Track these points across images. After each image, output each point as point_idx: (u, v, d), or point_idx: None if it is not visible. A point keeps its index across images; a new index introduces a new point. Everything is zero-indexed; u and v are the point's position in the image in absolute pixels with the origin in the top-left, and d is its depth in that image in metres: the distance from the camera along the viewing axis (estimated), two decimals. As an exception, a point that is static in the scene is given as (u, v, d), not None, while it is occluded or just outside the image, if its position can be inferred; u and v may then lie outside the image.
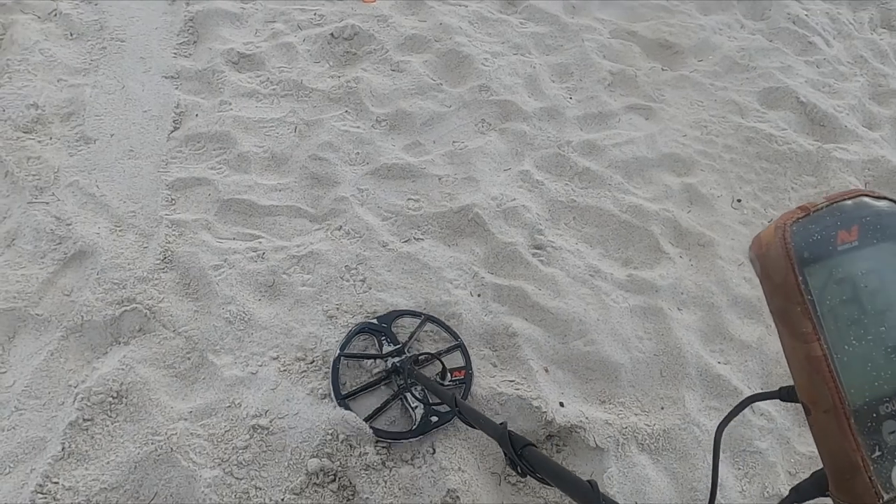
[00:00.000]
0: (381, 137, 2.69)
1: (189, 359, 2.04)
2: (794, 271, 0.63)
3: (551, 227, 2.48)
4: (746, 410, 2.08)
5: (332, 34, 3.04)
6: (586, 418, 1.98)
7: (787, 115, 2.97)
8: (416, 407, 1.93)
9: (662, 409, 2.07)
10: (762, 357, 2.21)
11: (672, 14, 3.40)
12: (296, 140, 2.64)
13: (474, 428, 1.57)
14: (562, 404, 2.02)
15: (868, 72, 3.29)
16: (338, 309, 2.16)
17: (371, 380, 2.01)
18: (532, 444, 1.15)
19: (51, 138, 2.53)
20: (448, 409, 1.90)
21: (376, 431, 1.87)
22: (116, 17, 3.00)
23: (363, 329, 2.10)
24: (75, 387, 1.94)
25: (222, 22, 3.06)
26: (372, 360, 2.05)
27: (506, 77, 2.94)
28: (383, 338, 2.09)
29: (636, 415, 2.04)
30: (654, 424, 2.01)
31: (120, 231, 2.30)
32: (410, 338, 2.09)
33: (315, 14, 3.14)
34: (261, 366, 2.02)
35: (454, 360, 2.09)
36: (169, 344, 2.06)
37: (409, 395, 1.96)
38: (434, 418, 1.91)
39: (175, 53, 2.91)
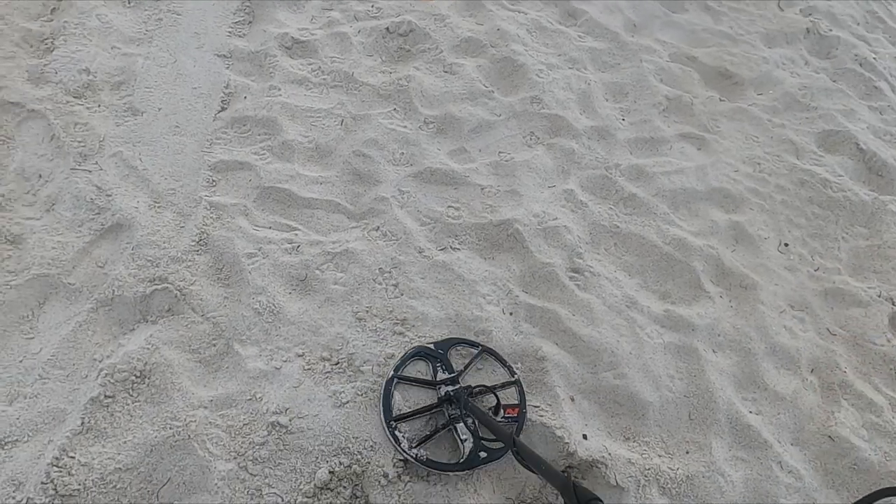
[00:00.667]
0: (428, 140, 2.65)
1: (215, 346, 2.03)
2: None
3: (591, 250, 2.42)
4: (773, 464, 2.02)
5: (387, 28, 3.00)
6: (609, 454, 1.93)
7: (845, 160, 2.88)
8: (466, 440, 1.88)
9: (688, 453, 2.01)
10: (796, 411, 2.14)
11: (735, 43, 3.31)
12: (341, 133, 2.61)
13: (531, 471, 1.52)
14: (585, 437, 1.97)
15: (933, 123, 3.18)
16: (367, 312, 2.12)
17: (423, 405, 1.96)
18: (598, 498, 1.10)
19: (99, 106, 2.52)
20: (498, 445, 1.86)
21: (422, 460, 1.82)
22: (175, -10, 2.98)
23: (419, 353, 2.06)
24: (100, 361, 1.93)
25: (280, 5, 3.03)
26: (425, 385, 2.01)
27: (559, 91, 2.88)
28: (438, 364, 2.04)
29: (660, 456, 1.99)
30: (678, 468, 1.96)
31: (158, 208, 2.28)
32: (466, 367, 2.03)
33: (373, 6, 3.10)
34: (285, 361, 1.99)
35: (509, 396, 2.03)
36: (196, 328, 2.04)
37: (459, 427, 1.90)
38: (483, 454, 1.85)
39: (230, 32, 2.89)
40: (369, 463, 1.80)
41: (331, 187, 2.45)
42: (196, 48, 2.79)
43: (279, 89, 2.69)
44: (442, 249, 2.34)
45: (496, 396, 1.94)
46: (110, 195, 2.27)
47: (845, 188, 2.74)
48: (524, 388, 2.03)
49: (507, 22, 3.14)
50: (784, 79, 3.18)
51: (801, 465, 2.03)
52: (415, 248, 2.31)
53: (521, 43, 3.05)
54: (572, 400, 2.06)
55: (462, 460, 1.85)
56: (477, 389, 1.97)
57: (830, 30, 3.50)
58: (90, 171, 2.32)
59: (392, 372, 1.98)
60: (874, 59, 3.37)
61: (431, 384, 2.01)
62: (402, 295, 2.18)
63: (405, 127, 2.66)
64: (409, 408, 1.94)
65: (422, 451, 1.84)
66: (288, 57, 2.84)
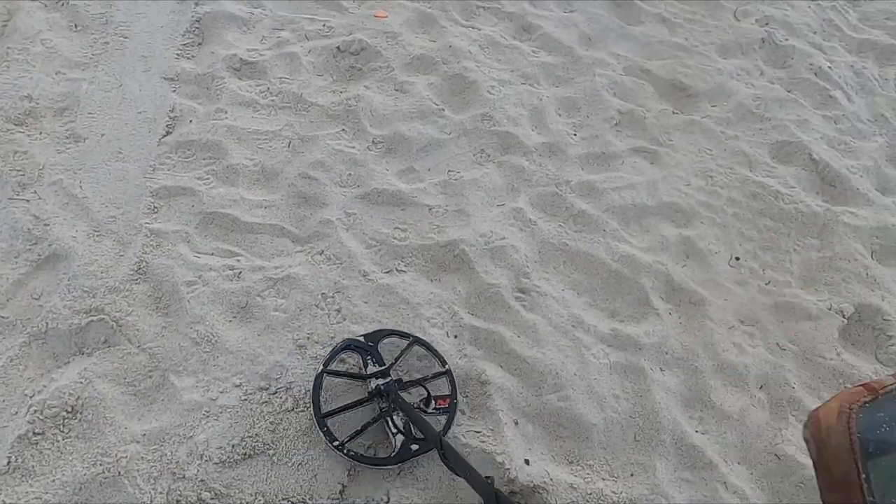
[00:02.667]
0: (376, 160, 2.63)
1: (150, 377, 1.99)
2: (857, 468, 0.53)
3: (539, 270, 2.40)
4: (718, 484, 2.00)
5: (338, 47, 2.98)
6: (551, 479, 1.91)
7: (798, 171, 2.87)
8: (397, 433, 1.87)
9: (632, 475, 1.99)
10: (743, 430, 2.12)
11: (690, 55, 3.31)
12: (288, 155, 2.59)
13: (457, 475, 1.50)
14: (527, 461, 1.95)
15: (888, 132, 3.18)
16: (308, 339, 2.10)
17: (352, 400, 1.95)
18: None
19: (41, 133, 2.49)
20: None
21: (352, 455, 1.82)
22: (123, 12, 2.96)
23: (349, 346, 2.04)
24: (31, 397, 1.89)
25: (229, 25, 3.01)
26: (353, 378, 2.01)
27: (510, 107, 2.87)
28: (369, 357, 2.02)
29: (604, 479, 1.96)
30: (622, 492, 1.93)
31: (98, 236, 2.25)
32: (396, 359, 2.03)
33: (324, 25, 3.09)
34: (222, 392, 1.96)
35: (440, 387, 2.03)
36: (132, 360, 2.01)
37: (391, 420, 1.90)
38: (415, 446, 1.86)
39: (178, 54, 2.87)
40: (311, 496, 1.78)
41: (276, 211, 2.42)
42: (143, 71, 2.76)
43: (225, 112, 2.67)
44: (387, 272, 2.32)
45: (426, 389, 1.93)
46: (48, 225, 2.24)
47: (797, 200, 2.74)
48: (455, 378, 2.03)
49: (459, 38, 3.13)
50: (738, 90, 3.18)
51: (747, 485, 2.02)
52: (359, 272, 2.28)
53: (473, 59, 3.04)
54: (516, 423, 2.04)
55: (394, 454, 1.85)
56: (407, 382, 1.97)
57: (786, 39, 3.50)
58: (28, 201, 2.29)
59: (321, 366, 1.98)
60: (830, 67, 3.38)
61: (361, 377, 1.99)
62: (344, 320, 2.16)
63: (353, 147, 2.64)
64: (339, 403, 1.94)
65: (353, 446, 1.85)
66: (236, 79, 2.82)
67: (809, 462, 2.04)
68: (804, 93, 3.25)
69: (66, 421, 1.86)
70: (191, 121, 2.62)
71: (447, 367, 2.05)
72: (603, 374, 2.16)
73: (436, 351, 2.07)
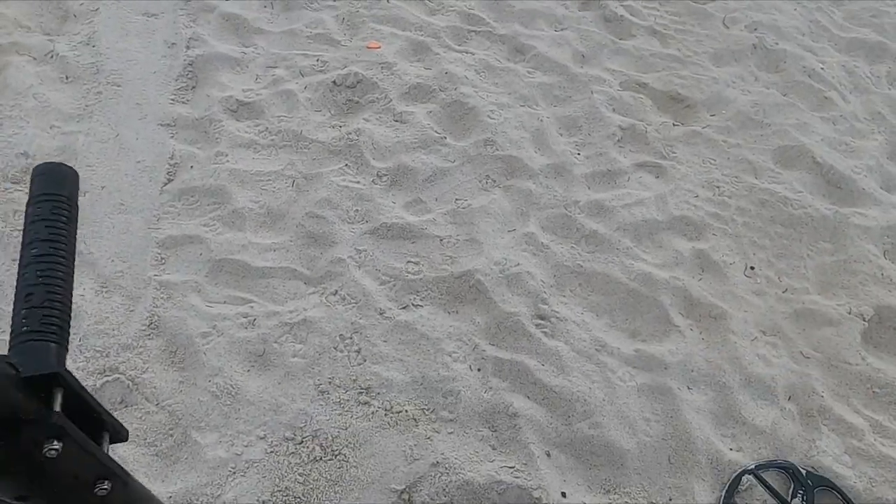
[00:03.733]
0: (382, 194, 2.60)
1: (171, 436, 1.94)
2: None
3: (556, 294, 2.37)
4: (758, 503, 1.96)
5: (334, 81, 2.96)
6: (589, 511, 1.87)
7: (803, 175, 2.87)
8: None
9: (670, 500, 1.95)
10: (777, 443, 2.09)
11: (684, 65, 3.32)
12: (293, 195, 2.55)
13: None
14: (564, 495, 1.91)
15: (886, 129, 3.20)
16: (330, 383, 2.05)
17: None
18: None
19: (40, 189, 2.44)
20: None
21: None
22: (114, 60, 2.93)
23: (787, 468, 2.03)
24: (49, 467, 1.83)
25: (222, 67, 2.99)
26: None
27: (512, 130, 2.86)
28: (801, 491, 1.99)
29: (642, 507, 1.92)
30: (662, 519, 1.90)
31: (106, 292, 2.20)
32: None
33: (318, 60, 3.07)
34: (247, 446, 1.91)
35: None
36: (151, 419, 1.96)
37: None
38: None
39: (172, 99, 2.84)
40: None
41: (285, 253, 2.38)
42: (138, 119, 2.73)
43: (226, 155, 2.63)
44: (403, 308, 2.28)
45: None
46: (54, 284, 2.18)
47: (806, 204, 2.73)
48: None
49: (454, 64, 3.12)
50: (735, 97, 3.18)
51: None
52: (375, 310, 2.24)
53: (470, 85, 3.03)
54: (548, 455, 2.00)
55: None
56: None
57: (777, 43, 3.52)
58: (32, 261, 2.24)
59: (753, 466, 2.00)
60: (822, 68, 3.39)
61: (783, 501, 1.97)
62: (364, 361, 2.11)
63: (358, 182, 2.61)
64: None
65: None
66: (234, 120, 2.79)
67: (847, 472, 2.01)
68: (800, 96, 3.26)
69: (88, 489, 1.80)
70: (192, 167, 2.59)
71: None
72: (631, 397, 2.13)
73: None
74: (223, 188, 2.51)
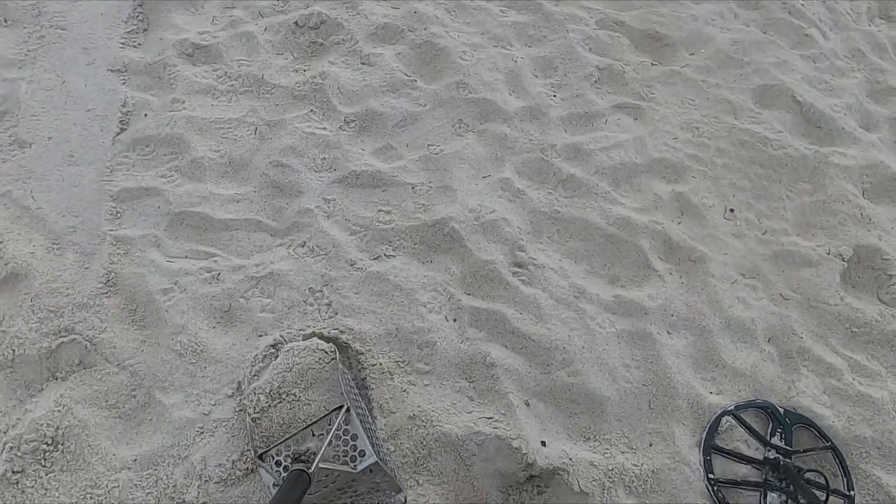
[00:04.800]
0: (350, 140, 2.47)
1: (135, 397, 1.85)
2: None
3: (533, 241, 2.30)
4: (740, 444, 1.95)
5: (296, 22, 2.78)
6: (570, 459, 1.83)
7: (783, 115, 2.80)
8: None
9: (651, 445, 1.93)
10: (756, 385, 2.07)
11: (662, 2, 3.19)
12: (256, 143, 2.41)
13: None
14: (543, 443, 1.87)
15: (866, 67, 3.13)
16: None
17: (747, 453, 1.94)
18: None
19: (-19, 141, 2.28)
20: None
21: (720, 498, 1.82)
22: (56, 1, 2.71)
23: (766, 408, 2.00)
24: (5, 433, 1.74)
25: (175, 8, 2.79)
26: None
27: (485, 72, 2.73)
28: (780, 429, 1.97)
29: (623, 453, 1.90)
30: (643, 464, 1.87)
31: (58, 250, 2.07)
32: (806, 451, 1.95)
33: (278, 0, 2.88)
34: (214, 405, 1.83)
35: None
36: (112, 380, 1.86)
37: (770, 496, 1.86)
38: None
39: (123, 43, 2.65)
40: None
41: (249, 204, 2.27)
42: (86, 65, 2.54)
43: (183, 102, 2.47)
44: (375, 259, 2.19)
45: (827, 494, 1.84)
46: (1, 242, 2.05)
47: (785, 144, 2.67)
48: (846, 465, 1.94)
49: (424, 3, 2.95)
50: (715, 35, 3.07)
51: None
52: (346, 261, 2.15)
53: (440, 24, 2.88)
54: (527, 405, 1.95)
55: None
56: (809, 475, 1.88)
57: (757, -21, 3.40)
58: (-25, 218, 2.09)
59: (732, 406, 1.99)
60: (803, 5, 3.29)
61: (763, 440, 1.96)
62: (336, 314, 2.03)
63: (324, 129, 2.48)
64: (728, 446, 1.94)
65: (722, 490, 1.85)
66: (190, 65, 2.61)
67: (826, 412, 2.00)
68: (780, 33, 3.17)
69: (47, 454, 1.71)
70: (146, 115, 2.43)
71: (852, 493, 1.91)
72: (611, 343, 2.08)
73: (848, 469, 1.94)
74: (180, 137, 2.36)
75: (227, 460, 1.73)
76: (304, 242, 2.18)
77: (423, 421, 1.84)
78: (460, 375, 1.98)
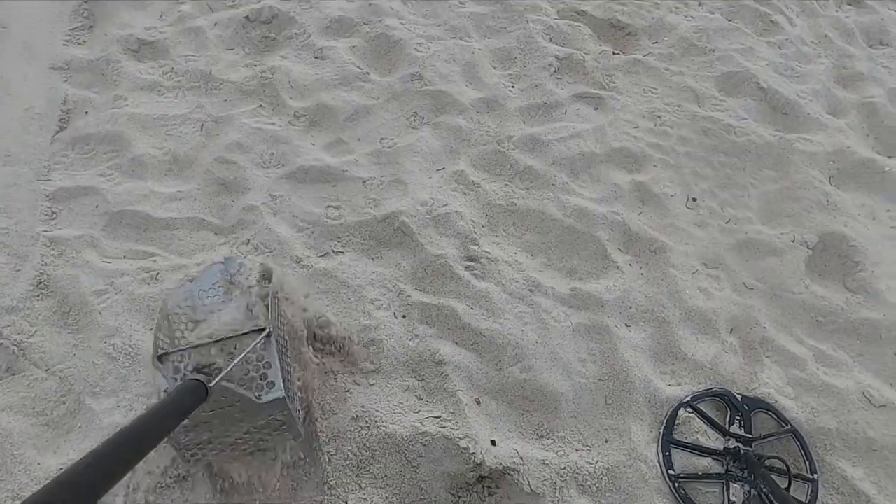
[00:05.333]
0: (300, 135, 2.40)
1: (64, 403, 1.77)
2: None
3: (488, 234, 2.23)
4: (700, 437, 1.88)
5: (247, 17, 2.72)
6: (520, 458, 1.75)
7: (748, 102, 2.74)
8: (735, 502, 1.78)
9: (607, 441, 1.85)
10: (717, 377, 2.00)
11: (625, -9, 3.13)
12: (202, 140, 2.34)
13: None
14: (493, 442, 1.79)
15: (833, 53, 3.07)
16: (241, 338, 1.89)
17: (706, 445, 1.86)
18: None
19: (-88, 142, 2.19)
20: None
21: (681, 495, 1.76)
22: (-2, -1, 2.64)
23: (723, 396, 1.95)
24: (-77, 443, 1.65)
25: (123, 4, 2.71)
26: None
27: (441, 64, 2.66)
28: (738, 417, 1.91)
29: (577, 451, 1.82)
30: (597, 461, 1.80)
31: (-13, 252, 1.99)
32: (766, 437, 1.89)
33: (229, -6, 2.82)
34: (147, 405, 1.75)
35: (797, 491, 1.87)
36: (40, 386, 1.78)
37: (733, 487, 1.79)
38: None
39: (67, 40, 2.57)
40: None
41: (192, 202, 2.19)
42: (27, 62, 2.47)
43: (125, 99, 2.40)
44: (323, 255, 2.11)
45: (790, 476, 1.78)
46: (-72, 245, 1.97)
47: (749, 131, 2.61)
48: (818, 491, 1.84)
49: (380, -5, 2.89)
50: (678, 23, 3.02)
51: (727, 436, 1.90)
52: (292, 258, 2.07)
53: (396, 16, 2.81)
54: (478, 403, 1.88)
55: None
56: (770, 462, 1.82)
57: (722, -33, 3.35)
58: None
59: (689, 398, 1.92)
60: (769, -8, 3.24)
61: (721, 430, 1.90)
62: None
63: (273, 124, 2.41)
64: (688, 439, 1.88)
65: (684, 486, 1.79)
66: (135, 61, 2.54)
67: (789, 403, 1.93)
68: (746, 20, 3.11)
69: (-33, 465, 1.63)
70: (87, 112, 2.35)
71: (816, 476, 1.85)
72: (566, 337, 2.01)
73: (809, 452, 1.88)
74: (121, 134, 2.29)
75: (157, 467, 1.64)
76: (249, 240, 2.10)
77: (366, 422, 1.76)
78: (409, 374, 1.91)
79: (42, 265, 1.96)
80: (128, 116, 2.33)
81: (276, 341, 1.56)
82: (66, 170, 2.20)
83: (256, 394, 1.46)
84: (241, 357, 1.43)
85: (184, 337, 1.60)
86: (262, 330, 1.53)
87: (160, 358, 1.49)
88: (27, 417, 1.73)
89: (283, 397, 1.47)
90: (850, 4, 3.37)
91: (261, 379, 1.49)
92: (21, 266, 1.97)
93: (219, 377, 1.34)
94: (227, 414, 1.44)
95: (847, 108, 2.84)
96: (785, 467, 1.79)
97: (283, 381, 1.49)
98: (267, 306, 1.64)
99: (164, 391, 1.46)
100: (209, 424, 1.45)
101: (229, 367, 1.38)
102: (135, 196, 2.15)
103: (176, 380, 1.48)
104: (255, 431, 1.54)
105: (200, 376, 1.36)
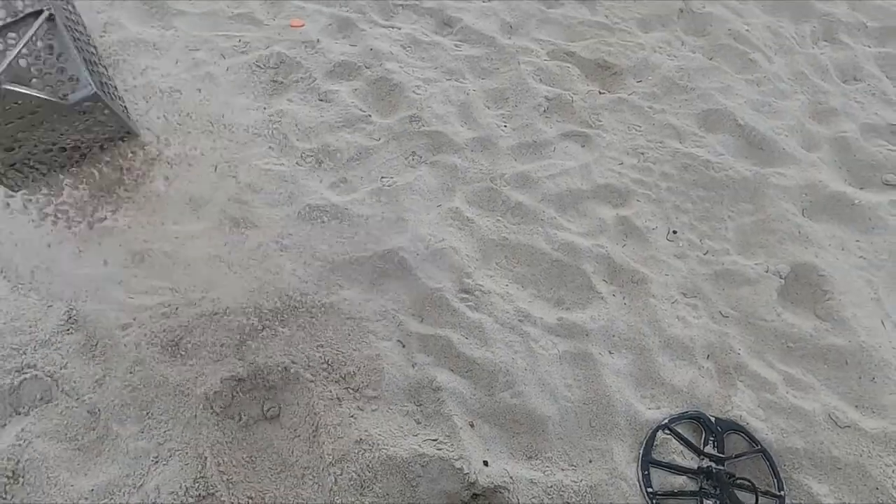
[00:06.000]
0: (306, 175, 2.58)
1: (93, 429, 1.94)
2: None
3: (482, 267, 2.40)
4: (676, 456, 2.04)
5: (256, 63, 2.91)
6: (511, 478, 1.92)
7: (726, 138, 2.92)
8: None
9: (590, 461, 2.02)
10: (693, 401, 2.17)
11: (612, 32, 3.33)
12: (215, 181, 2.52)
13: None
14: (486, 463, 1.96)
15: (808, 89, 3.26)
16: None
17: (682, 464, 2.02)
18: None
19: (-50, 187, 2.38)
20: None
21: None
22: (26, 49, 2.83)
23: (698, 418, 2.10)
24: (-33, 468, 1.82)
25: (141, 51, 2.91)
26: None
27: (438, 105, 2.85)
28: (712, 438, 2.06)
29: (563, 470, 1.98)
30: (582, 480, 1.96)
31: (22, 290, 2.17)
32: (736, 456, 2.04)
33: (239, 41, 3.01)
34: (167, 434, 1.92)
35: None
36: (71, 414, 1.95)
37: (706, 502, 1.95)
38: None
39: (89, 87, 2.76)
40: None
41: (207, 241, 2.36)
42: (53, 110, 2.65)
43: (145, 143, 2.58)
44: (327, 290, 2.28)
45: (755, 490, 1.94)
46: (-33, 283, 2.15)
47: (727, 167, 2.79)
48: (777, 467, 2.03)
49: (380, 40, 3.09)
50: (662, 63, 3.21)
51: (702, 456, 2.06)
52: (299, 292, 2.24)
53: (395, 60, 3.00)
54: (472, 426, 2.04)
55: None
56: (740, 481, 1.98)
57: (703, 6, 3.55)
58: (-58, 261, 2.19)
59: (666, 420, 2.08)
60: (747, 30, 3.43)
61: (696, 450, 2.04)
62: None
63: (282, 165, 2.59)
64: (664, 459, 2.03)
65: (661, 502, 1.94)
66: (154, 106, 2.73)
67: (760, 425, 2.09)
68: (725, 59, 3.30)
69: (7, 487, 1.80)
70: (109, 156, 2.54)
71: (783, 493, 1.99)
72: (553, 365, 2.18)
73: (777, 471, 2.03)
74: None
75: (180, 487, 1.81)
76: (258, 277, 2.28)
77: (369, 445, 1.93)
78: (408, 399, 2.07)
79: (71, 301, 2.14)
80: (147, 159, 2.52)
81: (65, 25, 1.28)
82: (89, 210, 2.38)
83: (61, 94, 1.22)
84: (19, 48, 1.17)
85: None
86: (39, 13, 1.24)
87: None
88: (60, 443, 1.90)
89: (95, 92, 1.23)
90: (825, 41, 3.56)
91: (59, 74, 1.25)
92: (52, 302, 2.15)
93: None
94: (27, 124, 1.22)
95: (820, 143, 3.02)
96: (751, 485, 1.96)
97: (91, 74, 1.26)
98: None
99: None
100: (13, 138, 1.23)
101: (6, 62, 1.13)
102: (155, 235, 2.33)
103: None
104: (75, 135, 1.32)
105: None
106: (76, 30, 1.34)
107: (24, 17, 1.25)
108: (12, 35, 1.24)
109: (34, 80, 1.22)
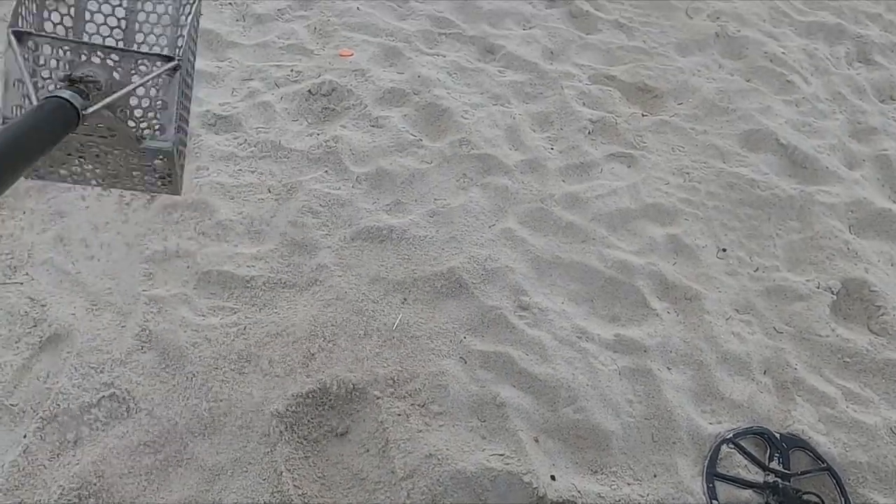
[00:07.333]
0: (362, 198, 2.66)
1: (168, 445, 1.99)
2: None
3: (537, 286, 2.45)
4: (741, 470, 2.05)
5: (309, 91, 3.02)
6: (579, 492, 1.94)
7: (769, 157, 2.97)
8: None
9: (655, 476, 2.04)
10: (753, 415, 2.18)
11: (650, 56, 3.41)
12: (275, 205, 2.61)
13: None
14: (553, 477, 1.98)
15: (847, 109, 3.31)
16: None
17: (747, 478, 2.04)
18: None
19: (24, 212, 2.48)
20: None
21: None
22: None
23: (763, 434, 2.13)
24: (49, 487, 1.88)
25: (198, 82, 3.03)
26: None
27: (486, 129, 2.93)
28: (777, 454, 2.08)
29: (629, 484, 2.00)
30: (648, 494, 1.98)
31: (97, 310, 2.25)
32: (803, 473, 2.07)
33: (292, 70, 3.12)
34: (242, 449, 1.97)
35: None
36: (147, 429, 2.01)
37: None
38: None
39: (151, 117, 2.88)
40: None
41: (270, 262, 2.44)
42: (118, 138, 2.77)
43: (207, 168, 2.68)
44: (387, 310, 2.34)
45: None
46: (45, 305, 2.23)
47: (772, 185, 2.83)
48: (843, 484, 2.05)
49: (427, 67, 3.19)
50: (701, 85, 3.28)
51: (766, 471, 2.07)
52: (356, 312, 2.30)
53: (443, 87, 3.10)
54: (536, 441, 2.07)
55: None
56: (807, 496, 2.00)
57: (739, 31, 3.63)
58: (21, 283, 2.28)
59: (731, 435, 2.10)
60: (783, 53, 3.50)
61: (761, 465, 2.07)
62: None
63: (338, 189, 2.67)
64: (730, 472, 2.05)
65: None
66: (213, 134, 2.83)
67: (822, 439, 2.10)
68: (763, 80, 3.37)
69: None
70: (173, 182, 2.63)
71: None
72: (613, 380, 2.21)
73: (845, 489, 2.05)
74: (206, 201, 2.56)
75: (259, 502, 1.85)
76: (321, 296, 2.34)
77: (438, 460, 1.96)
78: (472, 415, 2.11)
79: (144, 321, 2.21)
80: (210, 185, 2.61)
81: (183, 80, 1.30)
82: (159, 234, 2.47)
83: (139, 133, 1.24)
84: (137, 86, 1.18)
85: (61, 23, 1.28)
86: (169, 59, 1.24)
87: (18, 36, 1.17)
88: (138, 459, 1.95)
89: (171, 150, 1.24)
90: (860, 62, 3.62)
91: (149, 118, 1.26)
92: (125, 322, 2.23)
93: (101, 103, 1.10)
94: (97, 142, 1.22)
95: (862, 161, 3.06)
96: (820, 501, 1.96)
97: (176, 131, 1.27)
98: (186, 27, 1.33)
99: (16, 84, 1.16)
100: (80, 148, 1.23)
101: (115, 96, 1.13)
102: (221, 257, 2.41)
103: (32, 68, 1.19)
104: (129, 160, 1.30)
105: (70, 95, 1.07)
106: (187, 82, 1.37)
107: (158, 55, 1.28)
108: (144, 65, 1.28)
109: (121, 109, 1.24)
